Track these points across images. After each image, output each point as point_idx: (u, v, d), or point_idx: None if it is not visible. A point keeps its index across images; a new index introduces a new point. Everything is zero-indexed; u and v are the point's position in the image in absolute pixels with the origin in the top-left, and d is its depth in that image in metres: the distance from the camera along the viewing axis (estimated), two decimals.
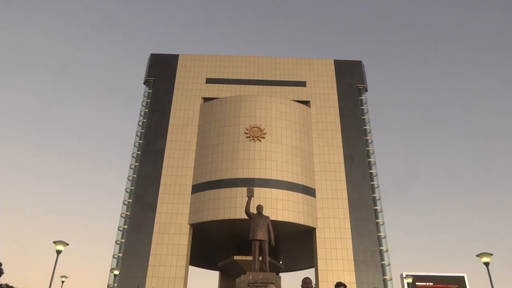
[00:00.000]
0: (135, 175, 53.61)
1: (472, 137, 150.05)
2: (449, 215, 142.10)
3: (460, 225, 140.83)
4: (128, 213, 51.40)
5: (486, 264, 21.30)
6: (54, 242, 22.14)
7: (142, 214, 49.33)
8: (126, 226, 50.64)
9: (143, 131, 56.68)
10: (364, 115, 58.55)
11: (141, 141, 55.84)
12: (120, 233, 51.00)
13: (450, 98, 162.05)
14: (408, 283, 37.38)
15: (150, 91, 59.26)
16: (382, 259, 49.19)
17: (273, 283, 10.28)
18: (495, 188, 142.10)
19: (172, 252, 46.30)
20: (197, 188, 49.03)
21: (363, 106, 59.26)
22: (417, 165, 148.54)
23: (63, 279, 43.36)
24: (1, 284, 50.88)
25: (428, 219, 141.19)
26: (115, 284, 47.66)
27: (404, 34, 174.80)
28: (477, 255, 21.87)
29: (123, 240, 49.98)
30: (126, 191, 53.74)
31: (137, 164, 54.36)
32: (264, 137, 49.81)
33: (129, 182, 54.20)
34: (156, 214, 48.69)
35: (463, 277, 48.45)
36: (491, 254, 21.49)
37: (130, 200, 52.26)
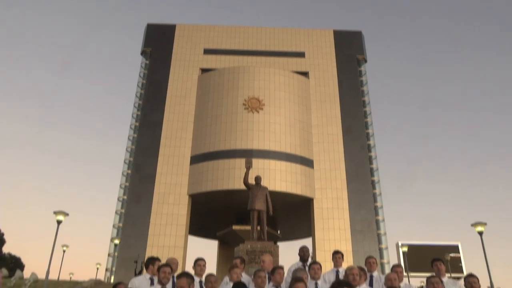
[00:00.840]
0: (133, 146, 53.72)
1: (466, 99, 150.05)
2: (444, 187, 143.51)
3: (455, 196, 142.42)
4: (127, 184, 51.77)
5: (480, 233, 21.75)
6: (54, 213, 22.41)
7: (141, 185, 49.69)
8: (125, 197, 51.10)
9: (140, 102, 56.43)
10: (363, 87, 58.29)
11: (139, 113, 55.68)
12: (120, 203, 51.53)
13: (450, 72, 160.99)
14: (403, 252, 38.17)
15: (147, 62, 58.67)
16: (378, 228, 50.00)
17: (269, 252, 10.51)
18: (490, 161, 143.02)
19: (172, 222, 46.92)
20: (196, 159, 49.25)
21: (362, 77, 58.92)
22: (416, 140, 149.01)
23: (64, 248, 44.15)
24: (4, 253, 51.76)
25: (424, 190, 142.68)
26: (116, 253, 48.51)
27: (406, 5, 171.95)
28: (472, 225, 22.31)
29: (122, 210, 50.53)
30: (125, 162, 53.97)
31: (135, 135, 54.38)
32: (262, 109, 49.70)
33: (128, 153, 54.36)
34: (155, 185, 49.06)
35: (457, 246, 49.46)
36: (485, 224, 21.93)
37: (129, 171, 52.53)
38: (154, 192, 48.71)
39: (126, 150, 54.69)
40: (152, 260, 6.51)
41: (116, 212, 51.31)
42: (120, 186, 52.79)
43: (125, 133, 62.17)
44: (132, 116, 56.63)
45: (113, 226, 50.76)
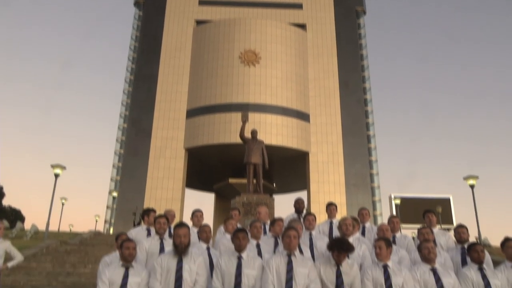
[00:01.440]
0: (129, 100, 53.34)
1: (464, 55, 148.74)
2: (437, 142, 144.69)
3: (447, 151, 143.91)
4: (124, 138, 51.85)
5: (472, 186, 22.16)
6: (52, 166, 22.55)
7: (137, 139, 49.76)
8: (122, 151, 51.32)
9: (135, 55, 55.47)
10: (361, 40, 57.33)
11: (133, 66, 54.86)
12: (117, 157, 51.84)
13: (450, 28, 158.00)
14: (396, 204, 39.00)
15: (141, 13, 57.14)
16: (372, 182, 50.81)
17: (265, 204, 10.71)
18: (482, 114, 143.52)
19: (169, 175, 47.40)
20: (192, 113, 49.06)
21: (360, 30, 57.80)
22: (411, 90, 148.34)
23: (63, 201, 44.84)
24: (4, 206, 52.50)
25: (417, 145, 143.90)
26: (114, 206, 49.36)
27: None
28: (464, 178, 22.68)
29: (120, 164, 50.89)
30: (121, 116, 53.81)
31: (130, 89, 53.86)
32: (258, 62, 49.00)
33: (123, 108, 54.08)
34: (152, 139, 49.13)
35: (448, 198, 50.50)
36: (477, 177, 22.29)
37: (125, 125, 52.46)
38: (150, 146, 48.87)
39: (122, 104, 54.36)
40: (147, 211, 6.62)
41: (113, 166, 51.73)
42: (117, 140, 52.91)
43: (121, 87, 61.52)
44: (127, 70, 55.87)
45: (111, 179, 51.31)
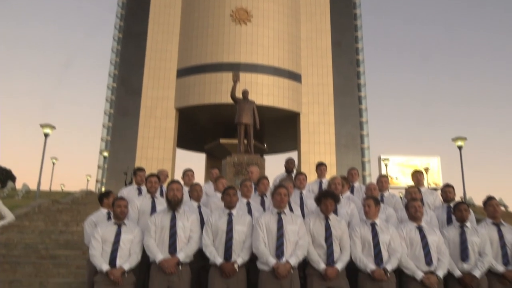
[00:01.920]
0: (117, 59, 52.33)
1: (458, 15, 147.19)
2: (428, 104, 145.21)
3: (437, 113, 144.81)
4: (113, 98, 51.25)
5: (460, 147, 22.46)
6: (41, 126, 22.32)
7: (127, 98, 49.24)
8: (112, 110, 50.85)
9: (123, 12, 53.96)
10: None
11: (121, 23, 53.48)
12: (107, 117, 51.42)
13: None
14: (385, 165, 39.55)
15: None
16: (362, 142, 51.23)
17: (256, 164, 10.79)
18: (472, 77, 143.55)
19: (159, 135, 47.32)
20: (182, 72, 48.41)
21: None
22: (403, 51, 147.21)
23: (54, 160, 44.73)
24: None
25: (408, 107, 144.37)
26: (105, 165, 49.42)
27: None
28: (453, 139, 22.95)
29: (110, 124, 50.56)
30: (110, 75, 52.95)
31: (119, 47, 52.72)
32: (250, 20, 47.96)
33: (112, 66, 53.13)
34: (142, 99, 48.66)
35: (436, 159, 51.28)
36: (465, 138, 22.57)
37: (115, 85, 51.74)
38: (140, 106, 48.47)
39: (110, 62, 53.35)
40: (138, 170, 6.66)
41: (103, 126, 51.39)
42: (106, 100, 52.32)
43: (109, 45, 60.14)
44: (115, 27, 54.48)
45: (101, 139, 51.11)
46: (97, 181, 50.26)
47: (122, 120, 48.89)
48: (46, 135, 22.15)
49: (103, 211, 5.57)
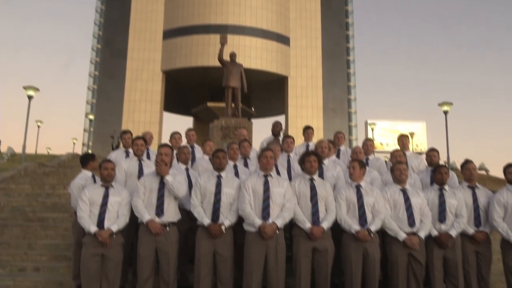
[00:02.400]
0: (102, 19, 50.90)
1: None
2: (415, 70, 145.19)
3: (424, 79, 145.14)
4: (98, 59, 50.21)
5: (445, 112, 22.65)
6: (24, 88, 21.85)
7: (112, 60, 48.30)
8: (97, 73, 49.93)
9: None
10: None
11: None
12: (92, 79, 50.51)
13: None
14: (371, 129, 39.88)
15: None
16: (349, 107, 51.37)
17: (244, 128, 10.79)
18: (461, 43, 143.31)
19: (146, 98, 46.81)
20: (169, 34, 47.39)
21: None
22: (393, 16, 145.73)
23: (39, 123, 44.11)
24: None
25: (396, 72, 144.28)
26: (91, 128, 48.99)
27: None
28: (439, 104, 23.10)
29: (95, 87, 49.76)
30: (94, 37, 51.64)
31: (103, 7, 51.18)
32: None
33: (97, 27, 51.73)
34: (127, 61, 47.77)
35: (422, 124, 51.78)
36: (451, 103, 22.74)
37: (99, 46, 50.57)
38: (126, 68, 47.64)
39: (95, 23, 51.92)
40: (123, 133, 6.63)
41: (88, 88, 50.56)
42: (91, 62, 51.24)
43: (92, 4, 58.26)
44: None
45: (87, 102, 50.41)
46: (83, 144, 49.91)
47: (107, 83, 48.12)
48: (29, 98, 21.70)
49: (88, 173, 5.55)
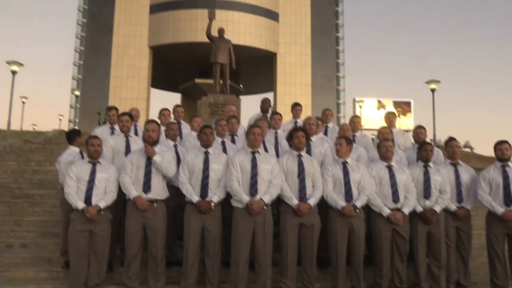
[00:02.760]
0: None
1: None
2: (403, 46, 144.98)
3: (412, 56, 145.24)
4: (84, 34, 49.21)
5: (433, 90, 22.79)
6: (7, 63, 21.46)
7: (98, 35, 47.36)
8: (82, 48, 49.01)
9: None
10: None
11: None
12: (77, 54, 49.60)
13: None
14: (360, 107, 40.02)
15: None
16: (338, 84, 51.35)
17: (233, 104, 10.76)
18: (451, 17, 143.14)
19: (133, 74, 46.16)
20: (156, 8, 46.45)
21: None
22: None
23: (24, 99, 43.48)
24: None
25: (384, 50, 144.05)
26: (77, 105, 48.37)
27: None
28: (426, 82, 23.21)
29: (81, 62, 48.91)
30: (79, 10, 50.45)
31: None
32: None
33: (81, 0, 50.51)
34: (114, 36, 46.84)
35: (409, 102, 52.08)
36: (439, 81, 22.87)
37: (85, 20, 49.48)
38: (112, 43, 46.77)
39: None
40: (109, 109, 6.56)
41: (74, 64, 49.69)
42: (76, 37, 50.23)
43: None
44: None
45: (73, 77, 49.61)
46: (69, 121, 49.34)
47: (93, 58, 47.29)
48: (13, 73, 21.33)
49: (75, 149, 5.50)
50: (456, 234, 5.12)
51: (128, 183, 4.63)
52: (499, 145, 5.08)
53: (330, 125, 7.04)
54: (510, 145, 5.06)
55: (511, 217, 4.78)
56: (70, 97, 49.64)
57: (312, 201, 4.61)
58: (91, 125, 35.67)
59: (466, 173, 5.24)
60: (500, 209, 4.87)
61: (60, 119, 51.41)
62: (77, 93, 47.06)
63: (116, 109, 6.55)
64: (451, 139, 5.37)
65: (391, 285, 4.94)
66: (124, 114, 5.65)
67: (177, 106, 7.26)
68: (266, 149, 5.41)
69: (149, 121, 4.90)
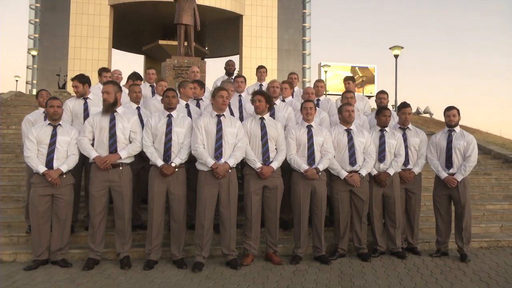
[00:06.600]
0: None
1: None
2: (369, 12, 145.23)
3: (377, 21, 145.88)
4: None
5: (396, 56, 23.15)
6: None
7: None
8: (38, 4, 46.41)
9: None
10: None
11: None
12: (33, 11, 46.95)
13: None
14: (324, 72, 40.20)
15: None
16: (304, 49, 51.18)
17: (197, 66, 10.60)
18: None
19: (93, 34, 44.32)
20: None
21: None
22: None
23: None
24: None
25: (350, 15, 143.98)
26: (35, 65, 46.25)
27: None
28: (390, 48, 23.53)
29: (37, 20, 46.42)
30: None
31: None
32: None
33: None
34: None
35: (373, 67, 52.82)
36: (402, 47, 23.22)
37: None
38: (70, 0, 44.48)
39: None
40: (100, 71, 6.49)
41: (29, 22, 47.08)
42: None
43: None
44: None
45: (29, 36, 47.17)
46: (27, 82, 47.22)
47: (50, 16, 44.94)
48: None
49: (41, 110, 5.34)
50: (406, 195, 5.37)
51: (87, 144, 4.56)
52: (447, 111, 5.32)
53: (296, 89, 7.09)
54: (458, 111, 5.31)
55: (451, 182, 5.08)
56: (27, 57, 47.33)
57: (275, 164, 4.70)
58: (50, 87, 34.25)
59: (414, 136, 5.45)
60: (443, 173, 5.17)
61: (16, 81, 49.12)
62: (34, 53, 44.88)
63: (108, 70, 6.58)
64: (404, 105, 5.53)
65: (351, 246, 5.17)
66: (72, 79, 5.43)
67: (149, 68, 7.22)
68: (232, 113, 5.41)
69: (105, 83, 4.80)
